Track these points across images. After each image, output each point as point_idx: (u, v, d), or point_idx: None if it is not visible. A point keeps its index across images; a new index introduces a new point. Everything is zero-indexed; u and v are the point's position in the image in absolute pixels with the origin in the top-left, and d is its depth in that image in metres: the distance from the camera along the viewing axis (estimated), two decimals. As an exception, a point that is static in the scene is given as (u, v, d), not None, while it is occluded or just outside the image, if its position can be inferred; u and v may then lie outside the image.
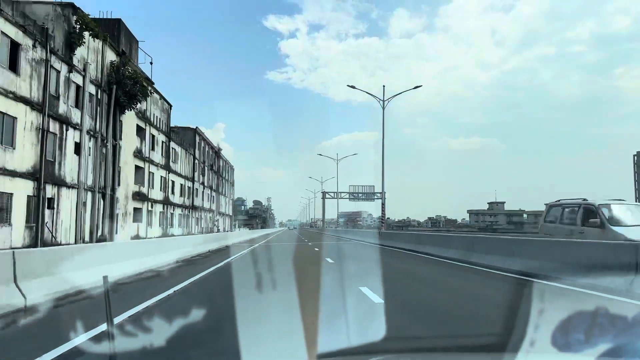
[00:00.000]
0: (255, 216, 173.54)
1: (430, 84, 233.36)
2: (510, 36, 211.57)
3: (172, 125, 51.20)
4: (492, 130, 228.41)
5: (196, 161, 63.01)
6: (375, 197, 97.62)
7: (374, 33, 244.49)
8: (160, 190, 47.70)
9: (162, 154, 47.66)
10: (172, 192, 51.56)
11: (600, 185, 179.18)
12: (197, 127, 62.03)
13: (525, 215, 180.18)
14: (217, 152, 79.14)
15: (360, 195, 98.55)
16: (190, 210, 60.24)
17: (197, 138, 63.95)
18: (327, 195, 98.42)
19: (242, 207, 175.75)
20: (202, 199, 68.21)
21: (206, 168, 70.37)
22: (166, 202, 48.77)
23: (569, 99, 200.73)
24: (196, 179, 63.24)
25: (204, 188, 69.05)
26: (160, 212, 47.29)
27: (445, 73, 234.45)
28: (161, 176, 47.51)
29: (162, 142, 47.93)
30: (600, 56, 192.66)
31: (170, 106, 49.79)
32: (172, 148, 50.96)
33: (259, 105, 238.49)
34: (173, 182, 51.79)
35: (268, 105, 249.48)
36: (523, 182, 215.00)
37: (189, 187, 59.00)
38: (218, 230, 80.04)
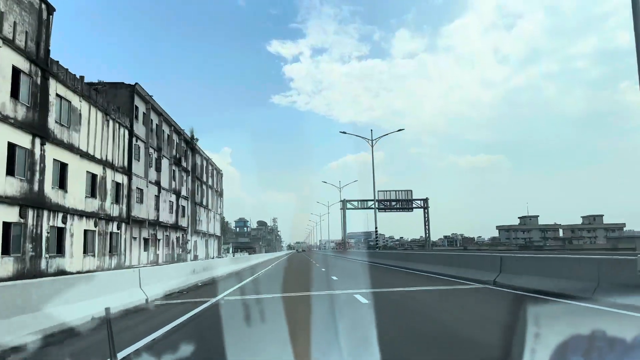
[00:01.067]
0: (259, 238, 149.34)
1: (434, 103, 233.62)
2: (513, 54, 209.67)
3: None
4: (498, 147, 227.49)
5: (139, 143, 38.15)
6: (414, 204, 71.68)
7: (376, 55, 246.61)
8: (24, 175, 22.69)
9: (29, 100, 22.90)
10: (62, 185, 26.42)
11: (612, 198, 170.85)
12: (136, 83, 37.18)
13: (561, 231, 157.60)
14: (188, 141, 54.25)
15: (393, 203, 72.49)
16: (126, 226, 34.97)
17: (142, 106, 39.15)
18: (350, 205, 72.71)
19: (245, 228, 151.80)
20: (159, 209, 42.97)
21: (166, 159, 45.54)
22: (37, 200, 23.59)
23: (574, 115, 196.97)
24: (140, 173, 38.22)
25: (162, 192, 43.87)
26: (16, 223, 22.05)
27: (449, 92, 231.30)
28: (25, 149, 22.47)
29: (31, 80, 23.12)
30: (603, 71, 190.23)
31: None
32: (61, 96, 26.20)
33: (264, 129, 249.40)
34: (63, 164, 26.68)
35: (273, 128, 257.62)
36: (533, 197, 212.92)
37: (117, 183, 33.93)
38: (193, 258, 54.31)
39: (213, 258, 64.44)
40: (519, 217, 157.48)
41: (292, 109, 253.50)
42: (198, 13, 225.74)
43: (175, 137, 50.05)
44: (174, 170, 48.56)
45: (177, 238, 50.03)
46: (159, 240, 44.04)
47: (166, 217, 45.20)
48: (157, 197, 42.63)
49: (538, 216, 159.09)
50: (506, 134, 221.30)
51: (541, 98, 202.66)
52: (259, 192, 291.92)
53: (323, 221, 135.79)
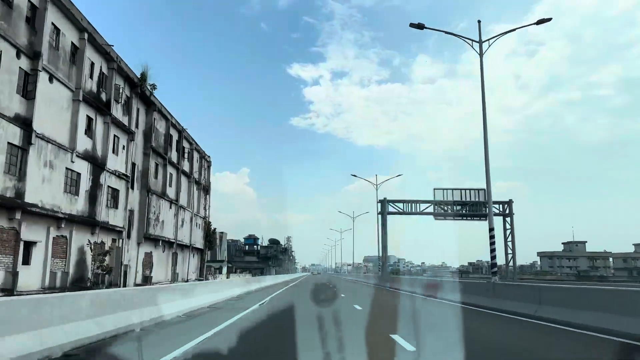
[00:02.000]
0: (269, 258, 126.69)
1: (453, 128, 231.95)
2: (534, 81, 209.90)
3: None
4: (516, 174, 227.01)
5: None
6: (484, 209, 47.56)
7: (396, 79, 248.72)
8: None
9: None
10: None
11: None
12: None
13: (611, 260, 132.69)
14: (136, 84, 31.57)
15: (458, 208, 48.86)
16: None
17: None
18: (392, 208, 49.12)
19: (255, 247, 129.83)
20: (25, 174, 20.69)
21: (61, 85, 23.34)
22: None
23: (595, 143, 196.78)
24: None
25: (38, 142, 21.68)
26: None
27: (468, 118, 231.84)
28: None
29: None
30: (627, 99, 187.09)
31: None
32: None
33: (282, 150, 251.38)
34: None
35: (291, 150, 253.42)
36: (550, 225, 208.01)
37: None
38: (142, 281, 32.07)
39: (187, 281, 41.65)
40: (562, 243, 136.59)
41: (310, 131, 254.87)
42: (221, 35, 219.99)
43: (103, 66, 28.07)
44: (89, 118, 26.38)
45: (100, 243, 27.42)
46: (36, 243, 21.66)
47: (53, 197, 22.66)
48: (23, 151, 20.38)
49: (586, 242, 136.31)
50: (526, 160, 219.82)
51: (561, 126, 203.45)
52: (275, 212, 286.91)
53: (339, 245, 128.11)
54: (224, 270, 66.45)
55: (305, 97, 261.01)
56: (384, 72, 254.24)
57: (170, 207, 40.35)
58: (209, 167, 54.15)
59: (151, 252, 36.49)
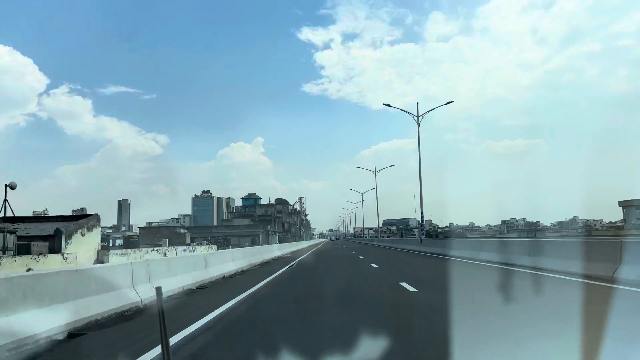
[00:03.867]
0: (269, 220, 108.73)
1: (470, 87, 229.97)
2: (552, 34, 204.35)
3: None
4: (537, 131, 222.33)
5: None
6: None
7: (409, 39, 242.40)
8: None
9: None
10: None
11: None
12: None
13: None
14: None
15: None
16: None
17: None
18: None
19: (255, 209, 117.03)
20: None
21: None
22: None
23: (617, 95, 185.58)
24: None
25: None
26: None
27: (485, 75, 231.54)
28: None
29: None
30: None
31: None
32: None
33: (296, 117, 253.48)
34: None
35: (305, 117, 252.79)
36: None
37: None
38: None
39: None
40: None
41: (323, 97, 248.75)
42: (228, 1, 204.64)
43: None
44: None
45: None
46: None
47: None
48: None
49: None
50: (546, 117, 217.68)
51: (582, 80, 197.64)
52: (291, 180, 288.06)
53: (357, 208, 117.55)
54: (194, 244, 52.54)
55: (316, 62, 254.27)
56: (397, 32, 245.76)
57: None
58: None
59: None
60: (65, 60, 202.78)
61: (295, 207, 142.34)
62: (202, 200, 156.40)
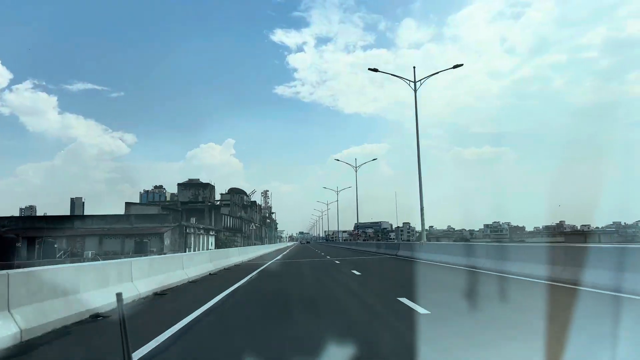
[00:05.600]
0: (200, 212, 77.61)
1: (440, 94, 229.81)
2: (521, 44, 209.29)
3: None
4: (505, 138, 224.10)
5: None
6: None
7: (382, 44, 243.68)
8: None
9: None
10: None
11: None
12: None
13: None
14: None
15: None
16: None
17: None
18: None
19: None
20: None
21: None
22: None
23: (582, 106, 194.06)
24: None
25: None
26: None
27: (456, 83, 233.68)
28: None
29: None
30: (613, 61, 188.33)
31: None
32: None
33: (268, 120, 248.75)
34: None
35: (277, 119, 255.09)
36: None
37: None
38: None
39: None
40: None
41: (296, 99, 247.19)
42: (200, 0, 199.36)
43: None
44: None
45: None
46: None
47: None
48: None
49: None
50: (514, 125, 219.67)
51: (549, 89, 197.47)
52: (261, 182, 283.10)
53: (330, 209, 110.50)
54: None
55: (289, 64, 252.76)
56: (369, 37, 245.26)
57: None
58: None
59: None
60: (30, 56, 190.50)
61: (252, 200, 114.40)
62: (154, 196, 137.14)
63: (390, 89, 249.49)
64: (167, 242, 56.70)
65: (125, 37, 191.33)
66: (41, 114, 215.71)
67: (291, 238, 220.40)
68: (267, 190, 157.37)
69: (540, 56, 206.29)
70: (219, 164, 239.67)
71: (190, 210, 76.36)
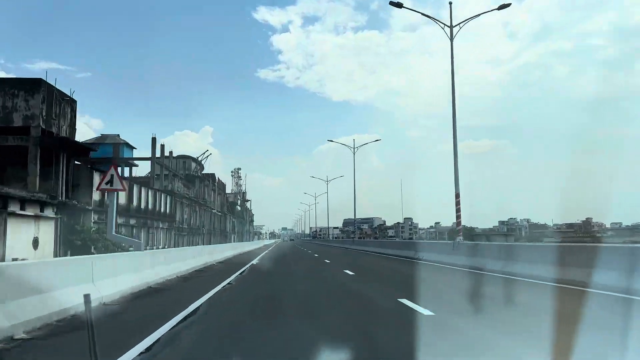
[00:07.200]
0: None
1: (434, 82, 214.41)
2: (524, 29, 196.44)
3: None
4: (503, 131, 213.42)
5: None
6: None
7: (374, 26, 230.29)
8: None
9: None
10: None
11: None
12: None
13: None
14: None
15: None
16: None
17: None
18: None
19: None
20: None
21: None
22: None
23: (586, 97, 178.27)
24: None
25: None
26: None
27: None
28: None
29: None
30: (620, 50, 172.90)
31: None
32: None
33: (249, 106, 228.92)
34: None
35: (260, 106, 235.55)
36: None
37: None
38: None
39: None
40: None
41: (280, 84, 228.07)
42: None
43: None
44: None
45: None
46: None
47: None
48: None
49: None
50: (513, 116, 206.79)
51: (551, 78, 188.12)
52: (242, 174, 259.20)
53: (318, 203, 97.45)
54: None
55: (273, 45, 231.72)
56: (361, 18, 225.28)
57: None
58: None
59: None
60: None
61: (209, 172, 68.78)
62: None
63: (382, 76, 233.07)
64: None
65: (94, 13, 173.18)
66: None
67: (273, 235, 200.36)
68: (240, 169, 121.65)
69: (543, 42, 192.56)
70: (195, 152, 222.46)
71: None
